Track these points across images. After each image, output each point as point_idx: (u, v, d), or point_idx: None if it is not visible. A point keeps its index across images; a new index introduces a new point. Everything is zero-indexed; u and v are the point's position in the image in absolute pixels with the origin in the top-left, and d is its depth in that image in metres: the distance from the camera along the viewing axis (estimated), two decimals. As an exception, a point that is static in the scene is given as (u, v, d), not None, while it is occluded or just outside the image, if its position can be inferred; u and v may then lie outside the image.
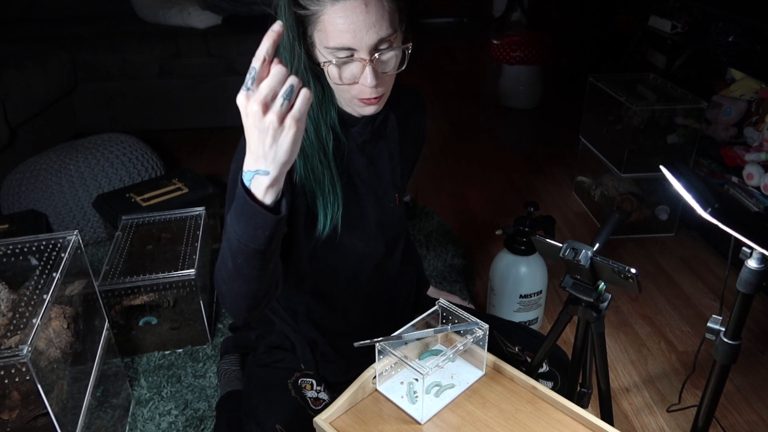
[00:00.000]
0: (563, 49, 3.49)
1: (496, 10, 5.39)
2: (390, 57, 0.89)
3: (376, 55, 0.86)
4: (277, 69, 0.69)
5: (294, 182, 0.96)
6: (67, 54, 2.91)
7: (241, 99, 0.70)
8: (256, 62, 0.69)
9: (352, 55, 0.86)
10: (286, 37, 0.89)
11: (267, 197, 0.76)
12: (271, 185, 0.75)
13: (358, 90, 0.90)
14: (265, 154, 0.72)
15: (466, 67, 4.36)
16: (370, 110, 0.95)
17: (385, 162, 1.08)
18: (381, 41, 0.86)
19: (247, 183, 0.75)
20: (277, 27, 0.69)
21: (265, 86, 0.69)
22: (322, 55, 0.88)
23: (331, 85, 0.93)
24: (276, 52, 0.71)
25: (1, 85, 2.37)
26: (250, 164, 0.74)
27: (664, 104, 2.06)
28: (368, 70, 0.87)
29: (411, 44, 0.91)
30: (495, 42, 3.31)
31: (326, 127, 0.97)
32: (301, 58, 0.91)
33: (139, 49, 2.98)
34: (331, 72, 0.88)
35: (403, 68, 0.92)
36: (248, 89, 0.69)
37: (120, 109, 3.08)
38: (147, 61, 2.99)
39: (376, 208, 1.09)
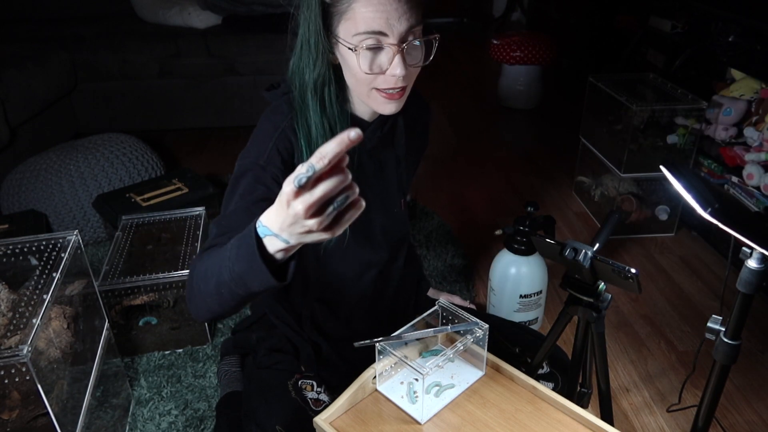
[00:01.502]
0: (563, 49, 3.48)
1: (496, 10, 5.39)
2: (418, 47, 0.90)
3: (405, 44, 0.87)
4: (338, 177, 0.59)
5: None
6: (67, 54, 2.91)
7: (288, 189, 0.60)
8: (319, 163, 0.57)
9: (380, 43, 0.86)
10: (311, 31, 0.89)
11: (278, 255, 0.69)
12: (286, 250, 0.68)
13: (382, 81, 0.90)
14: (291, 235, 0.65)
15: (466, 67, 4.36)
16: (391, 107, 0.94)
17: (392, 168, 1.08)
18: (411, 29, 0.87)
19: (260, 234, 0.68)
20: (354, 135, 0.56)
21: (320, 193, 0.58)
22: (349, 43, 0.87)
23: (352, 79, 0.92)
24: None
25: (1, 85, 2.37)
26: (271, 224, 0.66)
27: (664, 104, 2.06)
28: (398, 58, 0.87)
29: (438, 35, 0.91)
30: (495, 42, 3.31)
31: (342, 128, 0.96)
32: (326, 54, 0.91)
33: (139, 49, 2.98)
34: (361, 59, 0.87)
35: (429, 60, 0.92)
36: (300, 186, 0.58)
37: (120, 109, 3.08)
38: (147, 61, 2.99)
39: (381, 213, 1.09)
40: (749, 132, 1.91)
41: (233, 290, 0.74)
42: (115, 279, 1.58)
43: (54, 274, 1.11)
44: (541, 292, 1.65)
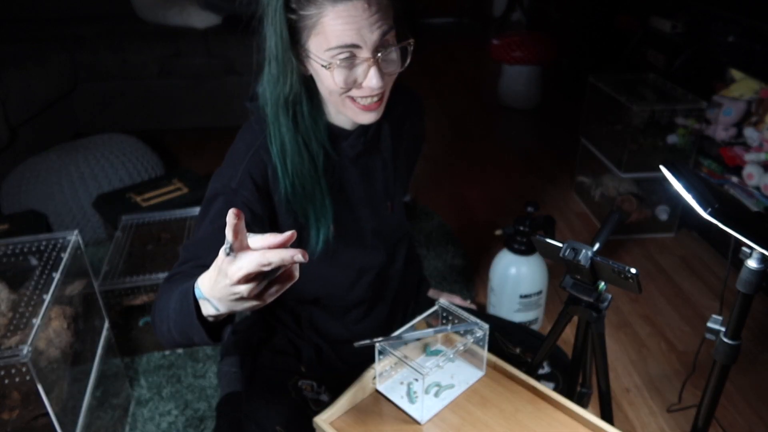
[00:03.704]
0: (563, 49, 3.49)
1: (496, 10, 5.38)
2: (393, 55, 0.88)
3: (380, 53, 0.85)
4: (279, 254, 0.58)
5: (281, 200, 0.95)
6: (67, 54, 2.91)
7: (222, 257, 0.61)
8: (228, 235, 0.59)
9: (354, 56, 0.84)
10: (279, 47, 0.87)
11: (210, 318, 0.71)
12: (218, 317, 0.70)
13: (357, 93, 0.88)
14: (222, 300, 0.65)
15: (466, 67, 4.36)
16: (369, 117, 0.91)
17: (378, 172, 1.07)
18: (384, 38, 0.84)
19: (198, 296, 0.70)
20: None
21: (255, 266, 0.59)
22: (321, 60, 0.85)
23: (327, 93, 0.90)
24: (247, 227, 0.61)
25: (1, 85, 2.37)
26: (206, 289, 0.67)
27: (664, 104, 2.06)
28: (374, 70, 0.85)
29: (413, 40, 0.88)
30: (495, 42, 3.31)
31: (317, 143, 0.95)
32: (294, 71, 0.88)
33: (139, 49, 2.98)
34: (336, 75, 0.85)
35: (405, 66, 0.90)
36: (228, 254, 0.60)
37: (120, 109, 3.08)
38: (147, 61, 2.99)
39: (371, 218, 1.08)
40: (749, 132, 1.91)
41: (180, 338, 0.78)
42: (115, 279, 1.58)
43: (54, 274, 1.11)
44: (541, 292, 1.65)
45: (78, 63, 2.95)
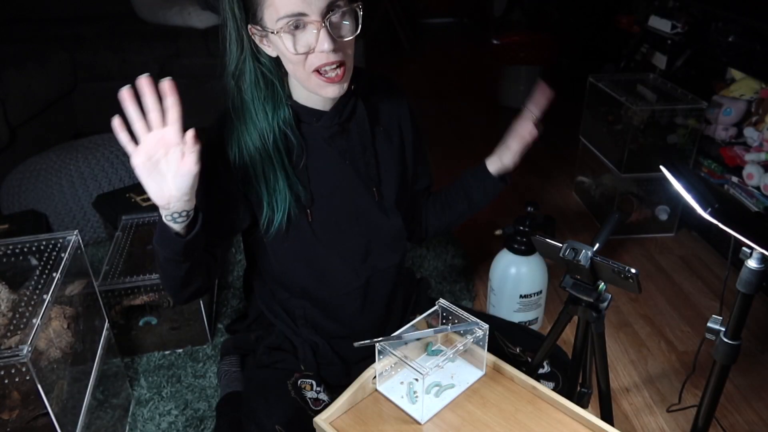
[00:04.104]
0: (563, 49, 3.48)
1: (496, 10, 5.38)
2: (343, 19, 0.90)
3: (327, 18, 0.87)
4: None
5: (236, 173, 0.99)
6: (67, 54, 2.91)
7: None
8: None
9: (303, 22, 0.87)
10: (231, 19, 0.91)
11: (176, 226, 0.91)
12: (172, 216, 0.89)
13: (316, 60, 0.89)
14: (150, 176, 0.90)
15: (466, 67, 4.36)
16: (334, 90, 0.93)
17: (358, 155, 1.07)
18: (334, 3, 0.87)
19: (161, 216, 0.91)
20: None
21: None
22: (274, 32, 0.88)
23: (290, 65, 0.93)
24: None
25: (1, 85, 2.37)
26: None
27: (664, 104, 2.06)
28: (323, 34, 0.87)
29: (360, 3, 0.91)
30: (495, 42, 3.31)
31: (278, 125, 0.98)
32: (245, 49, 0.93)
33: (139, 49, 2.98)
34: (286, 41, 0.88)
35: (358, 31, 0.92)
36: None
37: (120, 109, 3.07)
38: (147, 61, 2.99)
39: (352, 202, 1.08)
40: (749, 132, 1.91)
41: (164, 255, 0.92)
42: (115, 279, 1.58)
43: (54, 274, 1.11)
44: (541, 292, 1.65)
45: (78, 63, 2.95)
